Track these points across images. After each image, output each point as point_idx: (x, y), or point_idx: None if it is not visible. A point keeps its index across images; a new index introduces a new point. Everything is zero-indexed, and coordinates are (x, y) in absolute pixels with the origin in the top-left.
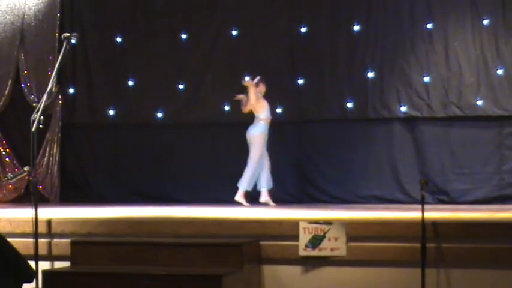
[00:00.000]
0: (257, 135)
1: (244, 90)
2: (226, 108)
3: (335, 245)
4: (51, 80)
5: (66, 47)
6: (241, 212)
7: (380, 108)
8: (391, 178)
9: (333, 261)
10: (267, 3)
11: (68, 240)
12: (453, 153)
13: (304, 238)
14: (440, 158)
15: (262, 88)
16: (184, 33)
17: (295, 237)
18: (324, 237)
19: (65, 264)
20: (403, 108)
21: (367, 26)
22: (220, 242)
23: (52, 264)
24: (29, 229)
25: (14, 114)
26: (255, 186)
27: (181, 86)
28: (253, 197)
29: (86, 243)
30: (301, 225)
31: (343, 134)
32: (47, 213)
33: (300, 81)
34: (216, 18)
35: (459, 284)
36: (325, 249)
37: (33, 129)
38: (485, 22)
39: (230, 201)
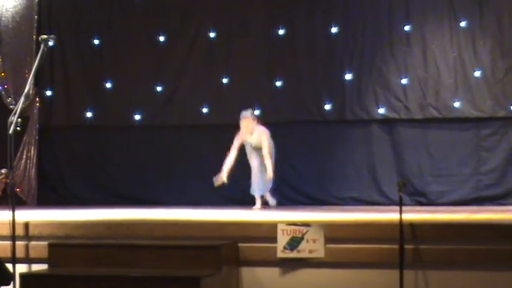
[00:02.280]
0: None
1: (219, 93)
2: (205, 110)
3: (313, 246)
4: (28, 82)
5: (43, 49)
6: (219, 214)
7: (358, 110)
8: (369, 180)
9: (311, 263)
10: (245, 5)
11: (46, 242)
12: (431, 154)
13: (282, 240)
14: (418, 159)
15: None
16: (161, 35)
17: (274, 239)
18: (302, 239)
19: (43, 266)
20: (381, 110)
21: (345, 27)
22: (198, 244)
23: (30, 267)
24: (6, 232)
25: None
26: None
27: (159, 88)
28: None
29: (63, 246)
30: (280, 227)
31: (321, 136)
32: (24, 215)
33: (278, 83)
34: (193, 20)
35: (437, 286)
36: (304, 251)
37: (10, 132)
38: (463, 24)
39: (208, 203)
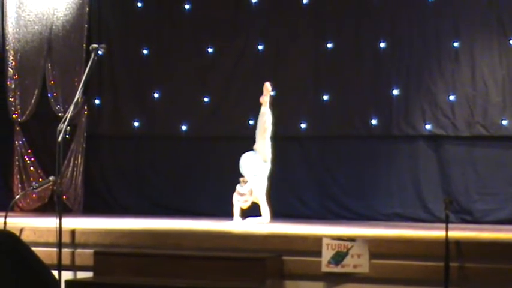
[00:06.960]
0: None
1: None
2: (251, 122)
3: (358, 261)
4: (78, 91)
5: (93, 58)
6: (264, 227)
7: (404, 125)
8: (414, 196)
9: (355, 278)
10: (293, 19)
11: (91, 250)
12: (477, 172)
13: (327, 254)
14: (464, 177)
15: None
16: (210, 47)
17: (318, 253)
18: (346, 253)
19: (88, 274)
20: (428, 126)
21: (393, 43)
22: (243, 256)
23: (75, 275)
24: (53, 239)
25: (39, 123)
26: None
27: (206, 99)
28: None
29: (108, 254)
30: (325, 241)
31: (366, 151)
32: (70, 223)
33: (325, 97)
34: (242, 33)
35: None
36: (348, 265)
37: (59, 139)
38: None
39: (252, 215)
